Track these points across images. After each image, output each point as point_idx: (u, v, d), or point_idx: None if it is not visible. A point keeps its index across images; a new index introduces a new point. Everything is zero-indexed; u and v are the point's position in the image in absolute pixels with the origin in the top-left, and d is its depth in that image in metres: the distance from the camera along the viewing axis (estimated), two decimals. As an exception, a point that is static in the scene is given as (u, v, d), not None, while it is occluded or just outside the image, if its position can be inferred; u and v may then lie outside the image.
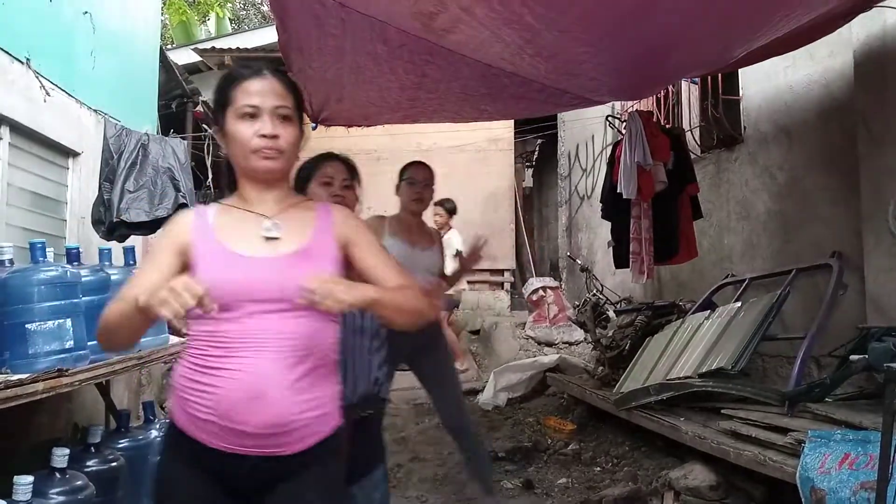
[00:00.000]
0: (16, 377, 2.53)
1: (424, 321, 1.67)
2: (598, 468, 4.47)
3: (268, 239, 1.61)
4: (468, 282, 9.24)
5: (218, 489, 1.56)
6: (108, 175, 4.44)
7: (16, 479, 2.44)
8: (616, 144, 5.15)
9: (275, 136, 1.59)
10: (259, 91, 1.61)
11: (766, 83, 5.14)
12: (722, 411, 3.83)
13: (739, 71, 5.32)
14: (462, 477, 4.52)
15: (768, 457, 3.21)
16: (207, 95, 10.14)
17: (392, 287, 1.63)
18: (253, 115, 1.60)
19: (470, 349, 8.42)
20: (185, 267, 1.60)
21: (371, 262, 1.68)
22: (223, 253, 1.58)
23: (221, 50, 9.82)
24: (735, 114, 5.56)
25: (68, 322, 2.83)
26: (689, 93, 6.28)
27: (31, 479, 2.47)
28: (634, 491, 3.81)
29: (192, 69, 10.40)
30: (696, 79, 5.81)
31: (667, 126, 5.90)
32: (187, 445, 1.56)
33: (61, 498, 2.71)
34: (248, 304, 1.53)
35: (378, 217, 3.49)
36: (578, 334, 7.84)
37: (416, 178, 3.52)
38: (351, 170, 2.44)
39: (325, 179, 2.34)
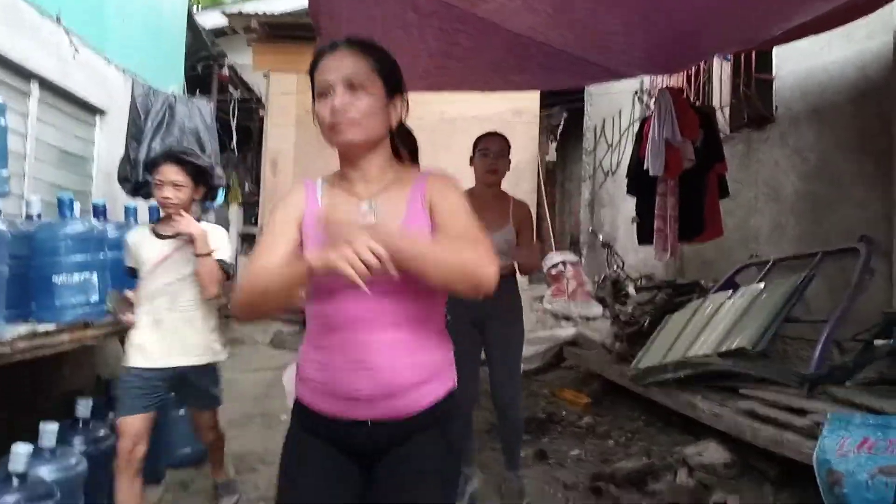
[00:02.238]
0: (43, 328, 2.58)
1: (481, 288, 1.47)
2: (612, 442, 4.48)
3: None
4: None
5: (338, 452, 1.61)
6: (135, 134, 4.47)
7: (42, 425, 2.50)
8: (644, 120, 5.08)
9: (344, 109, 1.55)
10: (329, 67, 1.58)
11: (800, 63, 5.03)
12: (740, 391, 3.81)
13: (773, 50, 5.21)
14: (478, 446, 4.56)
15: (786, 437, 3.20)
16: (233, 59, 10.15)
17: (443, 242, 1.51)
18: (326, 92, 1.57)
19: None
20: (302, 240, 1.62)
21: (443, 221, 1.56)
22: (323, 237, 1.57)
23: (248, 14, 9.77)
24: (767, 93, 5.46)
25: (94, 276, 2.88)
26: (721, 70, 6.17)
27: (56, 426, 2.53)
28: (648, 465, 3.81)
29: (219, 32, 10.38)
30: (729, 56, 5.70)
31: (697, 103, 5.81)
32: (310, 418, 1.62)
33: (84, 447, 2.78)
34: (346, 288, 1.49)
35: None
36: (596, 309, 7.82)
37: (491, 148, 3.45)
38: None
39: None
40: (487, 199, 3.43)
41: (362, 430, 1.57)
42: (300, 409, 1.65)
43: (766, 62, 5.47)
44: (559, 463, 4.14)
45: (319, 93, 1.59)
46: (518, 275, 3.48)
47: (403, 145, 1.76)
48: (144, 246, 2.92)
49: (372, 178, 1.64)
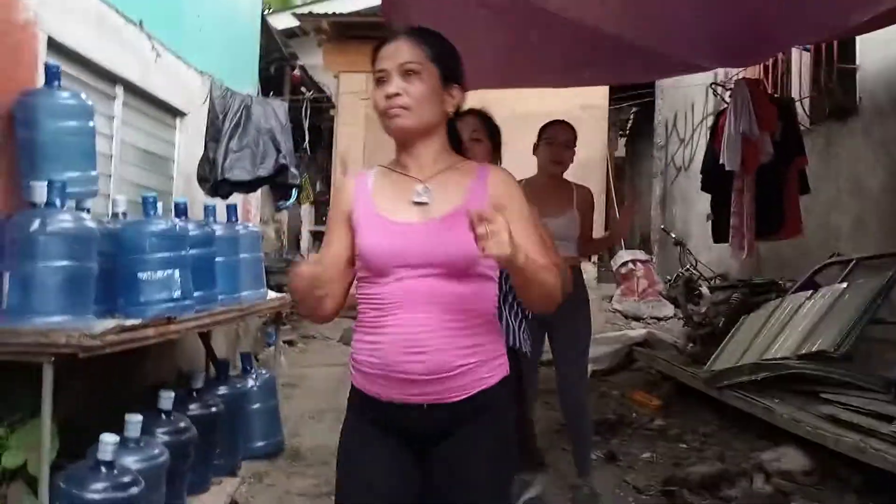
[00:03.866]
0: (129, 322, 2.69)
1: (551, 307, 1.64)
2: (685, 445, 4.38)
3: (417, 203, 1.62)
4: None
5: (394, 439, 1.64)
6: (213, 135, 4.60)
7: (127, 416, 2.61)
8: (720, 113, 4.94)
9: (397, 94, 1.59)
10: (387, 55, 1.62)
11: (885, 51, 4.80)
12: (821, 395, 3.67)
13: (857, 38, 4.99)
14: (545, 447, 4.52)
15: (870, 444, 3.08)
16: (304, 60, 10.36)
17: (542, 262, 1.59)
18: (382, 79, 1.62)
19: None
20: (353, 232, 1.68)
21: (516, 233, 1.55)
22: (376, 219, 1.63)
23: (318, 15, 9.96)
24: (850, 84, 5.24)
25: (176, 273, 2.98)
26: (801, 60, 5.94)
27: (140, 417, 2.64)
28: (722, 471, 3.71)
29: (290, 34, 10.62)
30: (809, 46, 5.49)
31: (775, 95, 5.62)
32: (365, 403, 1.66)
33: (167, 437, 2.89)
34: (399, 269, 1.58)
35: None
36: (668, 310, 7.66)
37: (557, 137, 3.38)
38: (484, 122, 2.40)
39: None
40: (549, 187, 3.36)
41: (416, 413, 1.59)
42: (355, 394, 1.68)
43: (848, 51, 5.24)
44: (630, 466, 4.08)
45: (377, 80, 1.64)
46: (584, 269, 3.41)
47: (455, 138, 1.76)
48: None
49: (426, 163, 1.67)
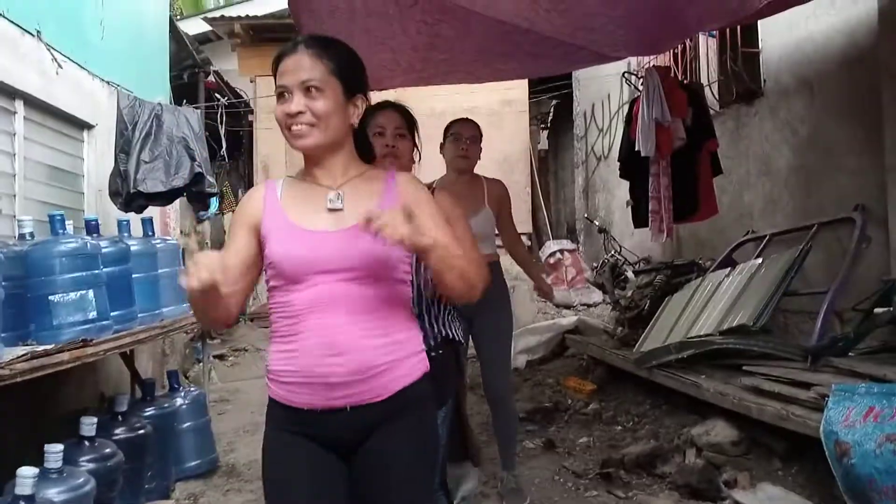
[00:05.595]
0: (42, 348, 2.56)
1: (474, 296, 1.67)
2: (620, 427, 4.48)
3: (331, 210, 1.63)
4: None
5: (317, 446, 1.63)
6: (123, 146, 4.44)
7: (46, 447, 2.49)
8: (633, 102, 5.07)
9: (300, 113, 1.60)
10: (287, 69, 1.62)
11: (786, 34, 5.01)
12: (743, 368, 3.81)
13: (759, 22, 5.19)
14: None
15: (791, 412, 3.20)
16: (219, 65, 10.09)
17: (457, 252, 1.62)
18: (283, 94, 1.62)
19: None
20: (261, 242, 1.66)
21: (430, 231, 1.62)
22: (288, 227, 1.63)
23: (231, 18, 9.73)
24: (754, 67, 5.44)
25: (90, 293, 2.87)
26: (707, 47, 6.14)
27: (60, 447, 2.52)
28: (656, 448, 3.82)
29: (203, 39, 10.33)
30: (714, 32, 5.69)
31: (684, 81, 5.79)
32: (284, 414, 1.64)
33: (91, 465, 2.77)
34: (314, 276, 1.59)
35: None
36: (597, 296, 7.82)
37: (463, 133, 3.42)
38: (406, 118, 2.38)
39: (377, 129, 2.26)
40: (460, 185, 3.38)
41: (339, 416, 1.59)
42: (275, 407, 1.66)
43: (751, 36, 5.45)
44: (568, 451, 4.15)
45: (278, 94, 1.64)
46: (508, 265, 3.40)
47: (363, 147, 1.78)
48: None
49: (336, 173, 1.69)
